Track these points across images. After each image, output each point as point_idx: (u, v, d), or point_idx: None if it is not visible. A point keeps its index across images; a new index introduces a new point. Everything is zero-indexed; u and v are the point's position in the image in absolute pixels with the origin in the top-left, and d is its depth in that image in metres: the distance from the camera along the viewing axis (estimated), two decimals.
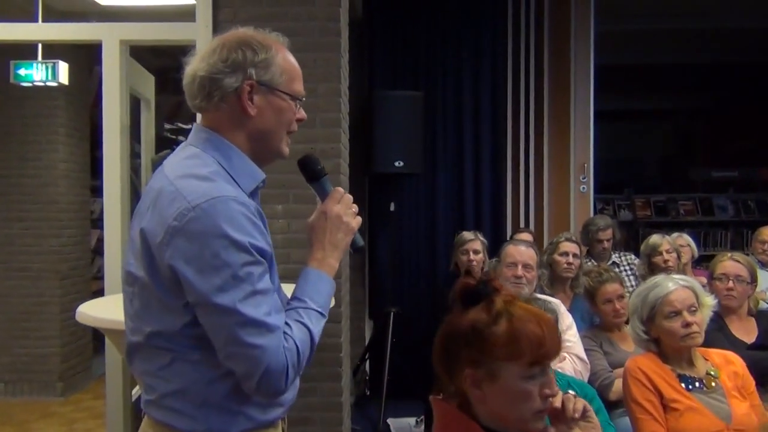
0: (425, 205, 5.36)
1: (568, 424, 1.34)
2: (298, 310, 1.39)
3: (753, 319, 3.19)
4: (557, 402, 1.33)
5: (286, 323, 1.35)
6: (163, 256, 1.31)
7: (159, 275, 1.34)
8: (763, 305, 3.51)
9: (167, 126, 4.57)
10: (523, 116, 5.44)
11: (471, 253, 4.12)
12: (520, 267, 3.00)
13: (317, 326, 1.40)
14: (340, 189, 1.53)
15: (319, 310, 1.42)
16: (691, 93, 8.82)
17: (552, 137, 5.49)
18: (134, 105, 3.97)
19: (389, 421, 4.65)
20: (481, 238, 4.21)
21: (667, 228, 7.15)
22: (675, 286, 2.32)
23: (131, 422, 3.10)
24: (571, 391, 1.37)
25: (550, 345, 1.29)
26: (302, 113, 1.51)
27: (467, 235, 4.22)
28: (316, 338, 1.39)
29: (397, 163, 4.82)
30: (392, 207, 5.12)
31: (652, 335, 2.35)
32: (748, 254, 4.52)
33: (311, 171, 1.55)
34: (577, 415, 1.34)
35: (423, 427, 4.37)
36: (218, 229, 1.28)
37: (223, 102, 1.43)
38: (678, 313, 2.27)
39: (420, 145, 4.95)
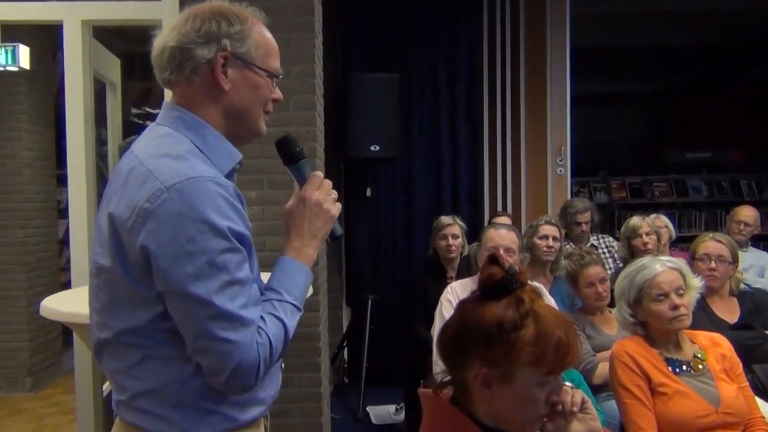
0: (402, 190, 5.28)
1: (566, 418, 1.27)
2: (273, 303, 1.31)
3: (735, 299, 3.18)
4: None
5: (261, 316, 1.27)
6: (133, 240, 1.21)
7: (128, 263, 1.24)
8: (743, 285, 3.50)
9: (134, 111, 4.42)
10: (500, 99, 5.39)
11: (450, 238, 4.06)
12: (502, 251, 2.93)
13: (292, 320, 1.33)
14: (320, 174, 1.45)
15: (295, 303, 1.35)
16: (664, 76, 8.84)
17: (529, 120, 5.45)
18: (99, 90, 3.82)
19: (369, 408, 4.59)
20: (460, 223, 4.15)
21: (643, 209, 7.19)
22: (662, 267, 2.28)
23: (102, 418, 2.99)
24: (568, 383, 1.30)
25: (573, 354, 1.22)
26: (278, 92, 1.44)
27: (445, 219, 4.15)
28: (291, 332, 1.32)
29: (372, 148, 4.73)
30: (368, 192, 5.03)
31: (639, 318, 2.31)
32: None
33: (289, 153, 1.46)
34: (575, 409, 1.27)
35: (403, 414, 4.32)
36: (194, 211, 1.18)
37: (195, 75, 1.33)
38: (666, 295, 2.23)
39: (396, 129, 4.86)
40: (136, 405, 1.30)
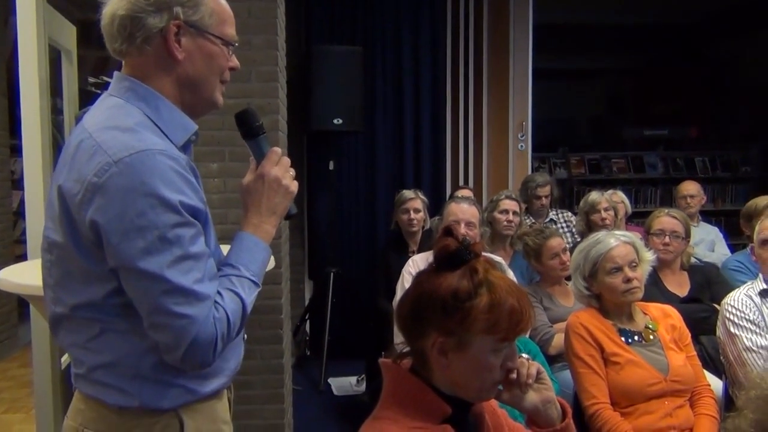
0: (365, 163, 5.29)
1: (522, 389, 1.32)
2: (231, 278, 1.30)
3: (685, 273, 3.28)
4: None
5: (218, 292, 1.26)
6: (83, 215, 1.20)
7: (80, 238, 1.23)
8: (694, 259, 3.61)
9: (91, 80, 4.31)
10: (463, 74, 5.41)
11: (411, 212, 4.09)
12: (462, 225, 2.97)
13: (250, 296, 1.32)
14: (278, 150, 1.43)
15: (253, 278, 1.34)
16: (623, 53, 8.95)
17: (491, 95, 5.49)
18: (55, 58, 3.71)
19: (330, 380, 4.64)
20: (422, 197, 4.18)
21: (601, 185, 7.30)
22: (616, 242, 2.34)
23: (60, 391, 2.96)
24: (524, 354, 1.34)
25: (526, 321, 1.25)
26: (235, 61, 1.40)
27: (407, 193, 4.18)
28: (248, 308, 1.31)
29: (336, 121, 4.71)
30: (331, 166, 5.03)
31: (594, 291, 2.37)
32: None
33: (249, 127, 1.44)
34: (530, 381, 1.32)
35: (364, 385, 4.38)
36: (144, 185, 1.17)
37: (147, 45, 1.30)
38: (619, 268, 2.29)
39: (359, 102, 4.85)
40: (94, 378, 1.29)
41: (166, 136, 1.29)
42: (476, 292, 1.24)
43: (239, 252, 1.35)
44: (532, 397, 1.34)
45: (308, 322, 5.15)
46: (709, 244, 4.76)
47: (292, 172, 1.44)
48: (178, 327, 1.20)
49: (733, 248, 5.02)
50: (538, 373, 1.34)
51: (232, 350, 1.41)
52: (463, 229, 2.95)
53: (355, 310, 4.93)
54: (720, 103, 8.51)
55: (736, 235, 6.17)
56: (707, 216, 5.59)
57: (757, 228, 2.40)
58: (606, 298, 2.36)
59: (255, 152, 1.43)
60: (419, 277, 1.31)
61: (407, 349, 1.34)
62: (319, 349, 4.88)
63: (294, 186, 1.43)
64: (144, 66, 1.32)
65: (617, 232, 2.44)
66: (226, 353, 1.37)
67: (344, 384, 4.62)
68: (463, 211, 3.02)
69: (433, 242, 3.19)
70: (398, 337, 2.96)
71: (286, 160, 1.43)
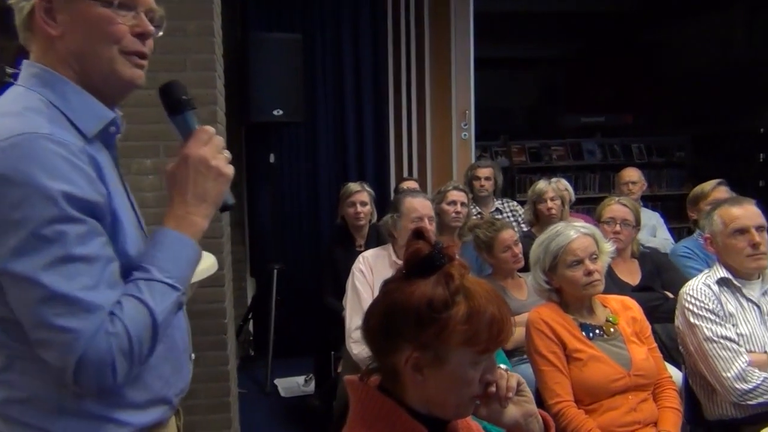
0: (306, 155, 5.14)
1: (501, 404, 1.21)
2: (138, 283, 1.10)
3: (636, 261, 3.27)
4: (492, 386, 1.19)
5: (118, 301, 1.07)
6: None
7: None
8: (643, 248, 3.60)
9: (9, 70, 3.98)
10: (405, 63, 5.31)
11: (358, 205, 3.95)
12: (426, 220, 2.87)
13: (163, 302, 1.10)
14: (209, 128, 1.23)
15: (168, 281, 1.11)
16: (557, 41, 9.03)
17: (433, 84, 5.41)
18: None
19: (276, 381, 4.49)
20: (368, 189, 4.04)
21: (541, 173, 7.36)
22: (576, 234, 2.27)
23: None
24: (502, 366, 1.23)
25: (507, 331, 1.14)
26: (144, 24, 1.19)
27: (353, 186, 4.04)
28: (160, 317, 1.09)
29: (275, 112, 4.54)
30: (272, 158, 4.85)
31: (554, 285, 2.30)
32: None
33: (174, 101, 1.23)
34: (510, 394, 1.21)
35: (313, 384, 4.24)
36: (18, 172, 1.00)
37: (31, 29, 1.16)
38: (580, 261, 2.23)
39: (300, 93, 4.69)
40: (9, 414, 1.11)
41: (75, 125, 1.12)
42: (453, 300, 1.12)
43: (154, 250, 1.14)
44: (512, 412, 1.23)
45: (251, 321, 4.97)
46: (650, 229, 4.82)
47: (227, 154, 1.24)
48: (60, 343, 1.02)
49: (672, 232, 5.12)
50: (518, 384, 1.23)
51: (175, 374, 1.24)
52: (427, 224, 2.86)
53: (300, 307, 4.78)
54: (653, 90, 8.68)
55: (674, 219, 6.33)
56: (644, 201, 5.67)
57: (723, 218, 2.36)
58: (566, 292, 2.29)
59: (182, 131, 1.23)
60: (388, 286, 1.19)
61: (375, 364, 1.21)
62: (263, 349, 4.71)
63: (229, 169, 1.22)
64: (38, 50, 1.18)
65: (576, 224, 2.37)
66: (168, 377, 1.21)
67: (291, 385, 4.47)
68: (423, 205, 2.93)
69: (387, 240, 3.10)
70: (351, 339, 2.85)
71: (219, 140, 1.23)
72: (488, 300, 1.14)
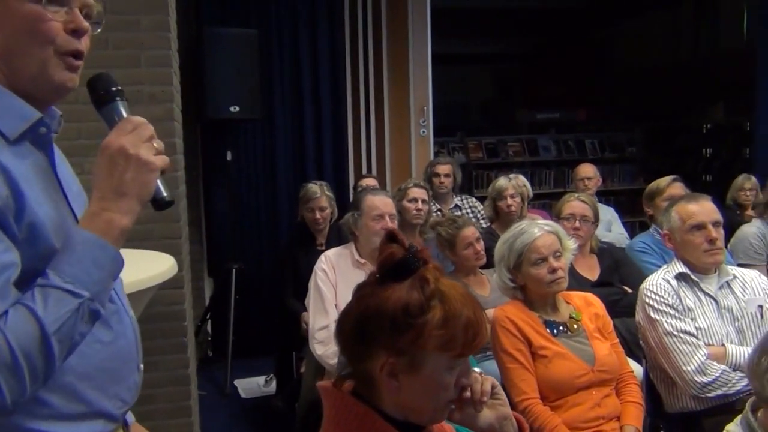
0: (264, 152, 5.06)
1: (476, 408, 1.19)
2: (34, 290, 0.99)
3: (595, 257, 3.32)
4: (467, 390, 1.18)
5: (5, 311, 0.97)
6: None
7: None
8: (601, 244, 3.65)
9: None
10: (362, 59, 5.27)
11: (317, 212, 3.86)
12: (387, 218, 2.85)
13: (56, 311, 0.98)
14: (137, 118, 1.10)
15: (67, 287, 0.99)
16: (512, 37, 9.13)
17: (391, 81, 5.39)
18: None
19: (236, 382, 4.42)
20: (328, 192, 3.95)
21: (498, 169, 7.43)
22: (540, 232, 2.29)
23: None
24: (476, 369, 1.22)
25: (483, 335, 1.13)
26: (78, 20, 1.10)
27: (312, 190, 3.91)
28: (51, 327, 0.97)
29: (232, 108, 4.46)
30: (229, 156, 4.76)
31: (519, 282, 2.32)
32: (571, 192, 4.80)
33: (101, 93, 1.13)
34: (485, 398, 1.20)
35: (274, 385, 4.19)
36: None
37: None
38: (544, 259, 2.24)
39: (256, 89, 4.61)
40: None
41: None
42: (428, 305, 1.10)
43: (60, 253, 1.03)
44: (486, 415, 1.22)
45: (209, 321, 4.88)
46: (606, 224, 4.90)
47: (159, 144, 1.11)
48: None
49: (626, 226, 5.24)
50: (493, 388, 1.22)
51: (114, 384, 1.16)
52: (389, 223, 2.83)
53: (260, 307, 4.72)
54: (606, 86, 8.86)
55: (627, 213, 6.47)
56: (598, 196, 5.77)
57: (680, 214, 2.40)
58: (531, 290, 2.30)
59: (110, 124, 1.12)
60: (362, 291, 1.16)
61: (348, 370, 1.19)
62: (221, 350, 4.64)
63: (157, 160, 1.08)
64: None
65: (540, 222, 2.39)
66: (107, 388, 1.14)
67: (252, 385, 4.41)
68: (385, 203, 2.90)
69: (349, 238, 3.07)
70: (314, 339, 2.81)
71: (146, 129, 1.09)
72: (463, 303, 1.12)
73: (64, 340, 1.00)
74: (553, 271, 2.23)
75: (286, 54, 5.03)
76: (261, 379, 4.44)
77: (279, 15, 4.99)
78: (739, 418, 1.41)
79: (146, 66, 2.77)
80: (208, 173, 4.99)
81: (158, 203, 1.11)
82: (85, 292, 1.01)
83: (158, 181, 1.09)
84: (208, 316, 4.81)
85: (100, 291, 1.03)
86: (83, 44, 1.12)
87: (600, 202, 5.32)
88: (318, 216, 3.87)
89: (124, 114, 1.12)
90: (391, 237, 1.17)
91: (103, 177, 1.05)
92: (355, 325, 1.14)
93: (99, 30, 1.17)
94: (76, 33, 1.10)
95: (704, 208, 2.41)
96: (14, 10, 1.06)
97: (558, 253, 2.27)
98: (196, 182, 4.93)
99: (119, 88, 1.15)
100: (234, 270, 4.53)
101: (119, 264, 1.07)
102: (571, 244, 2.37)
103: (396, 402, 1.14)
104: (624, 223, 5.21)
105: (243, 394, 4.29)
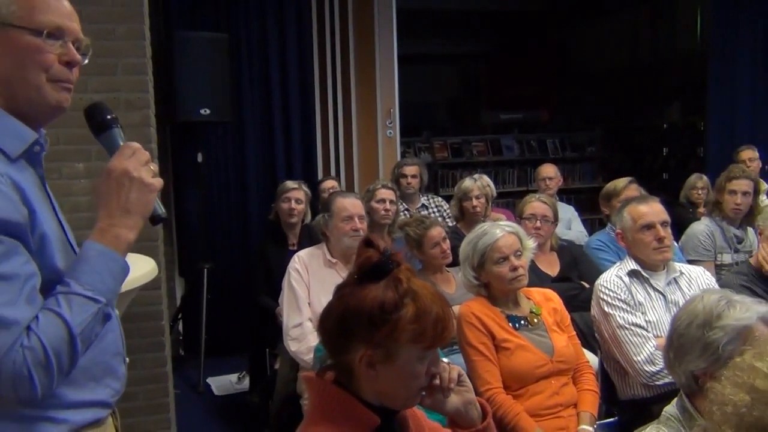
0: (234, 154, 5.15)
1: (444, 394, 1.34)
2: (57, 297, 1.14)
3: (555, 254, 3.49)
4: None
5: (36, 316, 1.11)
6: None
7: None
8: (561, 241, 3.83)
9: None
10: (330, 61, 5.37)
11: (293, 201, 4.01)
12: (356, 219, 2.97)
13: (80, 315, 1.14)
14: (134, 144, 1.27)
15: (87, 294, 1.15)
16: (475, 38, 9.29)
17: (358, 83, 5.50)
18: None
19: (209, 380, 4.50)
20: (305, 189, 4.12)
21: (462, 168, 7.61)
22: (502, 232, 2.44)
23: None
24: (445, 359, 1.36)
25: (450, 328, 1.27)
26: (72, 54, 1.24)
27: (290, 183, 4.12)
28: (77, 329, 1.13)
29: (203, 111, 4.54)
30: (200, 158, 4.84)
31: (482, 280, 2.46)
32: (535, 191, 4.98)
33: (98, 121, 1.29)
34: (452, 385, 1.34)
35: (247, 382, 4.28)
36: None
37: None
38: (506, 258, 2.39)
39: (226, 91, 4.70)
40: None
41: None
42: (402, 302, 1.24)
43: (76, 264, 1.18)
44: (453, 401, 1.36)
45: (181, 321, 4.95)
46: (566, 222, 5.08)
47: (154, 167, 1.29)
48: None
49: (586, 223, 5.43)
50: (459, 376, 1.37)
51: (107, 376, 1.31)
52: (358, 224, 2.95)
53: (231, 305, 4.80)
54: (566, 87, 9.09)
55: (586, 211, 6.70)
56: (559, 194, 5.97)
57: (632, 215, 2.58)
58: (494, 287, 2.45)
59: (109, 149, 1.29)
60: (341, 291, 1.29)
61: (330, 362, 1.32)
62: (193, 349, 4.72)
63: (155, 180, 1.26)
64: None
65: (501, 223, 2.55)
66: (100, 379, 1.28)
67: (224, 383, 4.50)
68: (354, 205, 3.02)
69: (320, 239, 3.19)
70: (289, 337, 2.92)
71: (144, 154, 1.27)
72: (433, 301, 1.26)
73: (85, 340, 1.15)
74: (514, 269, 2.39)
75: (255, 57, 5.12)
76: (234, 377, 4.53)
77: (248, 18, 5.07)
78: (675, 400, 1.57)
79: (123, 74, 2.86)
80: (179, 175, 5.05)
81: (155, 219, 1.28)
82: (102, 298, 1.17)
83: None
84: (179, 316, 4.88)
85: (112, 297, 1.20)
86: (74, 74, 1.26)
87: (560, 200, 5.52)
88: (293, 206, 3.99)
89: (122, 140, 1.28)
90: (367, 242, 1.31)
91: (110, 197, 1.21)
92: (336, 321, 1.27)
93: (86, 62, 1.30)
94: (70, 65, 1.24)
95: (653, 209, 2.59)
96: (16, 41, 1.19)
97: (519, 253, 2.43)
98: (165, 184, 4.96)
99: (114, 115, 1.30)
100: (205, 270, 4.61)
101: (126, 273, 1.23)
102: (531, 243, 2.53)
103: (373, 389, 1.28)
104: (584, 221, 5.40)
105: (216, 392, 4.38)
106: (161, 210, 1.30)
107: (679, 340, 1.58)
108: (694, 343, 1.54)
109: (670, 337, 1.63)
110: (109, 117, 1.30)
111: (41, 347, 1.09)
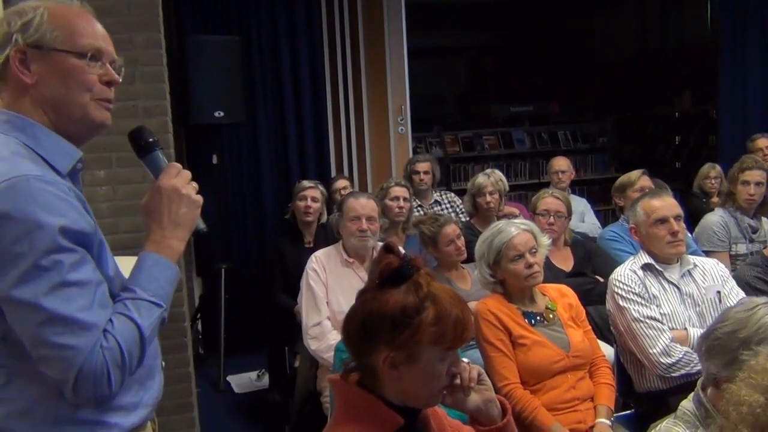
0: (248, 155, 5.21)
1: (465, 392, 1.39)
2: (125, 302, 1.25)
3: (569, 249, 3.52)
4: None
5: (110, 319, 1.21)
6: None
7: None
8: (574, 235, 3.86)
9: None
10: (341, 62, 5.41)
11: (309, 199, 4.06)
12: (363, 220, 3.01)
13: (148, 318, 1.25)
14: (177, 164, 1.40)
15: (152, 299, 1.26)
16: (483, 30, 9.27)
17: (369, 80, 5.53)
18: None
19: (229, 378, 4.57)
20: (321, 188, 4.18)
21: (474, 162, 7.62)
22: (517, 230, 2.48)
23: None
24: (465, 359, 1.41)
25: (469, 329, 1.32)
26: (111, 74, 1.33)
27: (307, 183, 4.18)
28: (147, 332, 1.24)
29: (216, 113, 4.60)
30: (214, 160, 4.90)
31: (498, 277, 2.50)
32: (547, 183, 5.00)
33: (141, 144, 1.40)
34: (472, 384, 1.39)
35: (266, 379, 4.35)
36: (18, 211, 1.13)
37: (3, 78, 1.28)
38: (521, 255, 2.43)
39: (239, 93, 4.75)
40: (10, 428, 1.22)
41: (50, 164, 1.25)
42: (423, 306, 1.29)
43: (137, 273, 1.29)
44: (474, 399, 1.41)
45: (200, 320, 5.02)
46: (579, 215, 5.10)
47: (195, 185, 1.40)
48: (61, 359, 1.15)
49: (599, 214, 5.44)
50: (479, 375, 1.42)
51: (149, 379, 1.38)
52: (364, 224, 2.99)
53: (249, 304, 4.86)
54: (577, 78, 9.06)
55: (599, 202, 6.70)
56: (571, 186, 5.98)
57: (645, 209, 2.61)
58: (510, 284, 2.49)
59: (152, 169, 1.40)
60: (364, 295, 1.34)
61: (354, 364, 1.37)
62: (212, 348, 4.79)
63: (198, 197, 1.38)
64: (10, 97, 1.29)
65: (516, 221, 2.58)
66: (144, 382, 1.35)
67: (244, 381, 4.57)
68: (362, 206, 3.05)
69: (335, 238, 3.24)
70: (308, 335, 2.98)
71: (187, 174, 1.39)
72: (452, 303, 1.31)
73: (150, 342, 1.26)
74: (530, 266, 2.43)
75: (267, 58, 5.16)
76: (253, 374, 4.60)
77: (259, 21, 5.12)
78: (692, 395, 1.60)
79: (140, 82, 2.91)
80: (195, 177, 5.08)
81: (197, 232, 1.39)
82: (162, 303, 1.28)
83: None
84: (198, 316, 4.96)
85: (168, 302, 1.31)
86: (112, 92, 1.35)
87: (573, 192, 5.54)
88: (309, 204, 4.05)
89: (166, 161, 1.39)
90: (387, 248, 1.35)
91: (161, 211, 1.32)
92: (359, 325, 1.32)
93: (120, 80, 1.39)
94: (110, 84, 1.33)
95: (666, 203, 2.62)
96: (61, 64, 1.28)
97: (534, 250, 2.47)
98: None
99: (155, 138, 1.41)
100: (223, 270, 4.68)
101: (178, 279, 1.34)
102: (546, 240, 2.57)
103: (396, 390, 1.32)
104: (597, 212, 5.41)
105: (237, 389, 4.45)
106: (203, 225, 1.42)
107: (715, 341, 1.59)
108: (726, 352, 1.54)
109: (711, 330, 1.64)
110: (151, 140, 1.41)
111: (118, 348, 1.19)
